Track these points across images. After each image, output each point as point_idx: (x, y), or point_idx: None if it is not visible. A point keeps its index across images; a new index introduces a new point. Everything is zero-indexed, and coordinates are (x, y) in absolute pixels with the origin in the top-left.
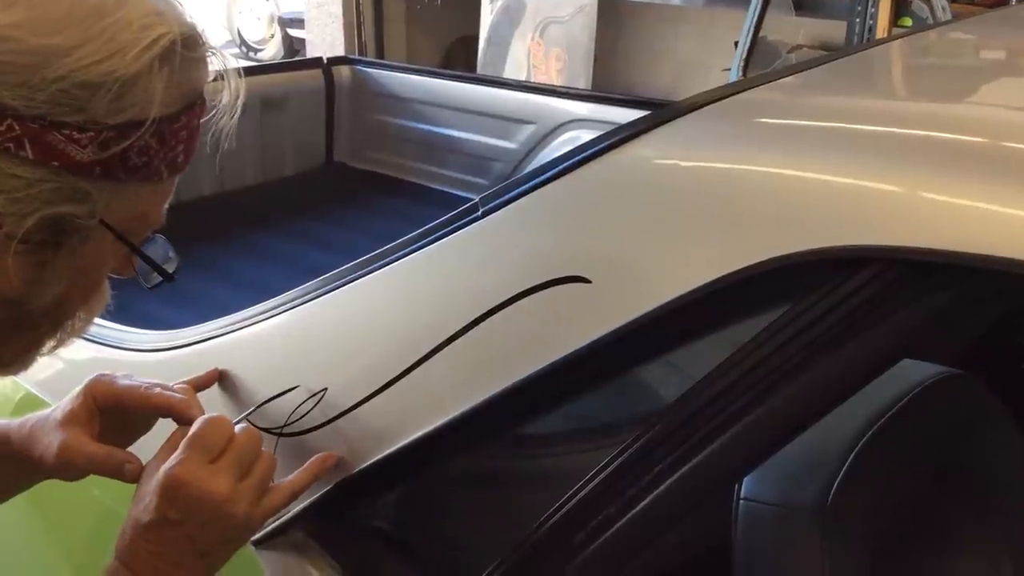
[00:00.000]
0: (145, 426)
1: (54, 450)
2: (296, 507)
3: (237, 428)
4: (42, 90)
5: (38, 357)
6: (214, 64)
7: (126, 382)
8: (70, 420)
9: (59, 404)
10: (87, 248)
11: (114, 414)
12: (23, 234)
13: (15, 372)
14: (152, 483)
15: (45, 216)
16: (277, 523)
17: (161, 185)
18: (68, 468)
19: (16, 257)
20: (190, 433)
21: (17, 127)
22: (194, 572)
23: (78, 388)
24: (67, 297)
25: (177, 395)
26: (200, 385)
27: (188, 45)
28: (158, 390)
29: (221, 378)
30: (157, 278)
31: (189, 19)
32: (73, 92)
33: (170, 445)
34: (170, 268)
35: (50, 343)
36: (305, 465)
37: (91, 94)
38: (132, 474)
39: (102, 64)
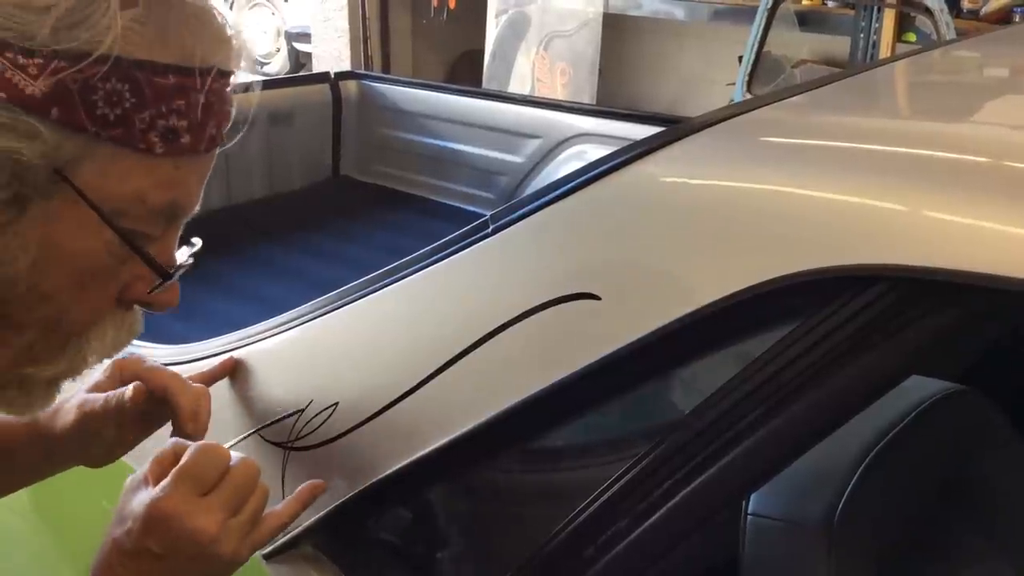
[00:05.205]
0: (162, 418)
1: (73, 411)
2: (306, 520)
3: (234, 457)
4: None
5: (51, 393)
6: (235, 40)
7: (150, 363)
8: (94, 389)
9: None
10: (56, 215)
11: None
12: None
13: (20, 405)
14: (136, 507)
15: None
16: (287, 537)
17: (155, 159)
18: (85, 424)
19: None
20: (182, 462)
21: None
22: None
23: (107, 363)
24: (48, 288)
25: (180, 381)
26: (216, 376)
27: None
28: (172, 373)
29: (232, 387)
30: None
31: None
32: (19, 13)
33: (158, 463)
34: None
35: (48, 366)
36: (294, 494)
37: (38, 16)
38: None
39: None
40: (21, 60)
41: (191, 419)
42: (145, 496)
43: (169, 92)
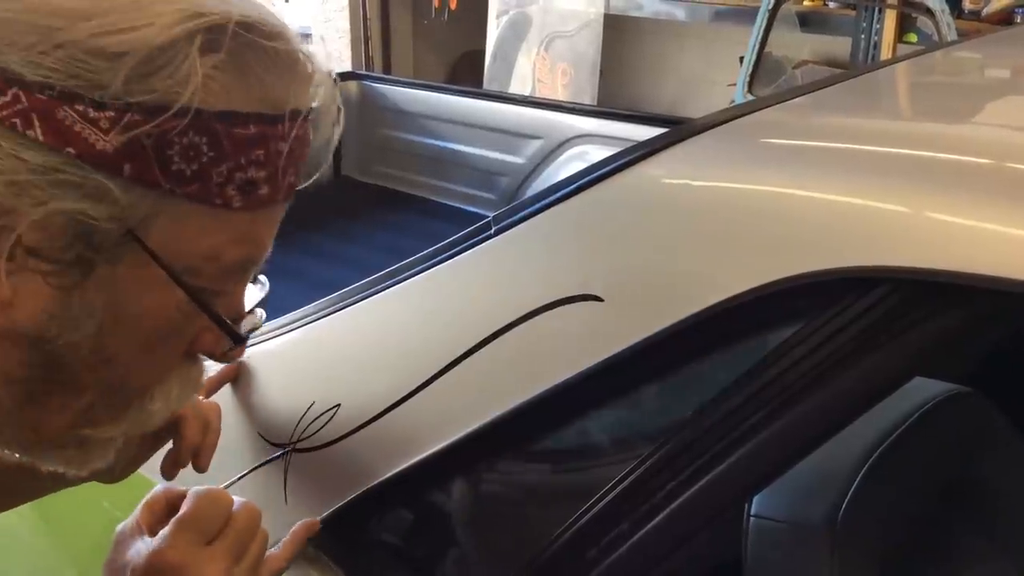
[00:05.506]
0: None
1: None
2: None
3: (236, 502)
4: (50, 54)
5: (110, 450)
6: (317, 75)
7: None
8: None
9: None
10: (124, 276)
11: None
12: (47, 250)
13: (78, 463)
14: (135, 557)
15: (53, 213)
16: None
17: (231, 214)
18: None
19: (36, 277)
20: (184, 509)
21: (24, 98)
22: None
23: None
24: (112, 350)
25: (190, 404)
26: (222, 380)
27: (256, 32)
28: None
29: (234, 390)
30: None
31: (258, 10)
32: (89, 61)
33: (149, 509)
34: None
35: (109, 427)
36: (290, 534)
37: (110, 64)
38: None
39: (127, 33)
40: (92, 113)
41: (191, 452)
42: (144, 546)
43: (249, 142)
